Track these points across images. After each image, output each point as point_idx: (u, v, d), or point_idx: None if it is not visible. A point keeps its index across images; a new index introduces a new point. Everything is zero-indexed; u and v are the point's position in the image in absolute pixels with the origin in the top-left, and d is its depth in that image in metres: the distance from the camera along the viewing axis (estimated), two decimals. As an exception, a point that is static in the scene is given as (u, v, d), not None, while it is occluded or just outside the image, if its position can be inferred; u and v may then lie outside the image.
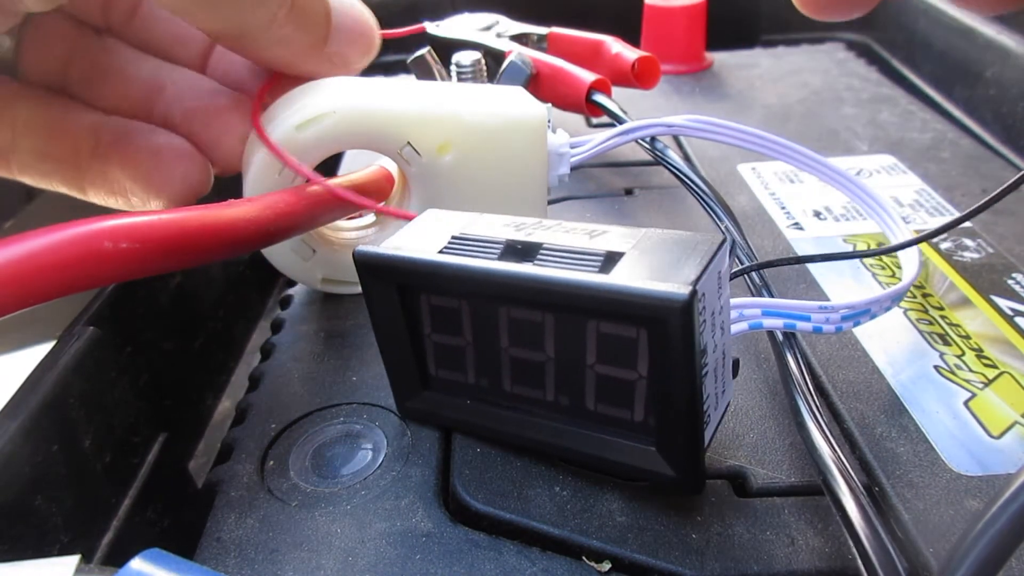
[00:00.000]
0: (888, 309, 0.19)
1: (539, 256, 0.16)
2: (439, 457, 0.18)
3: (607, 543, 0.16)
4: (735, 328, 0.18)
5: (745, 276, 0.21)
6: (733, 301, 0.17)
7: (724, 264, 0.16)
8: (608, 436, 0.17)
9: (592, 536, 0.16)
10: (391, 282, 0.18)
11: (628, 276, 0.15)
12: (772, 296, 0.21)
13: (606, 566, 0.16)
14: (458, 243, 0.17)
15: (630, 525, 0.16)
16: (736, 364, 0.17)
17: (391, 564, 0.16)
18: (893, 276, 0.24)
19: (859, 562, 0.13)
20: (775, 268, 0.24)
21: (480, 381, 0.18)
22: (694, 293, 0.14)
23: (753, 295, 0.21)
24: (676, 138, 0.34)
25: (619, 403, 0.16)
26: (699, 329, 0.14)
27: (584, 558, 0.16)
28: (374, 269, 0.18)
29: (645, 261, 0.15)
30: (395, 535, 0.16)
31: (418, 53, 0.32)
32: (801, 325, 0.18)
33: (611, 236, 0.16)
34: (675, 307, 0.14)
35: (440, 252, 0.17)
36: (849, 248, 0.26)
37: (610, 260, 0.15)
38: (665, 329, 0.14)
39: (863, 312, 0.18)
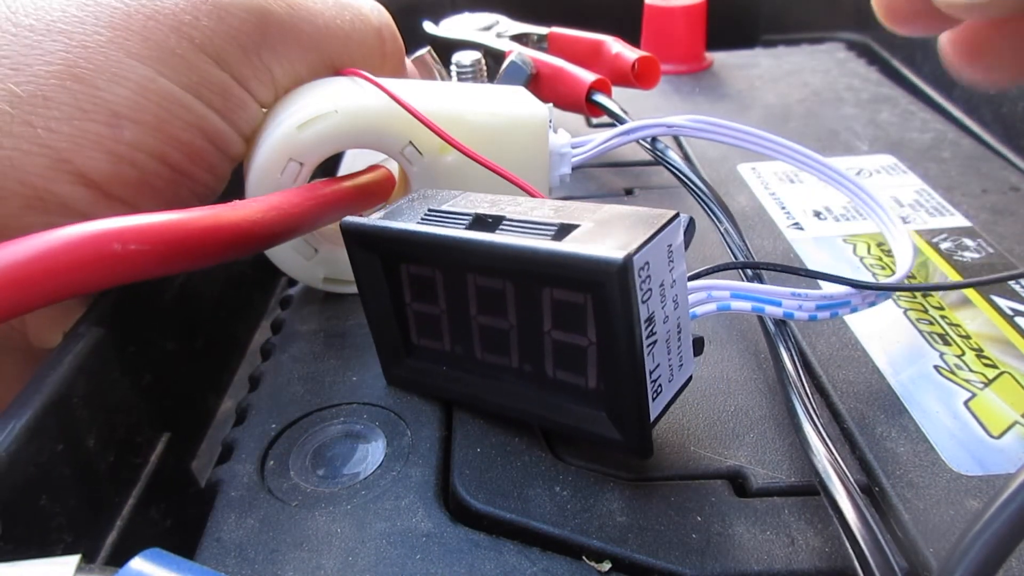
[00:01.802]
0: (872, 304, 0.19)
1: (501, 226, 0.17)
2: (439, 457, 0.19)
3: (607, 543, 0.16)
4: (703, 309, 0.18)
5: (740, 273, 0.21)
6: (703, 282, 0.18)
7: (677, 239, 0.16)
8: (566, 402, 0.18)
9: (592, 536, 0.16)
10: (373, 251, 0.19)
11: (574, 244, 0.15)
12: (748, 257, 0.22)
13: (606, 566, 0.16)
14: (433, 215, 0.18)
15: (630, 525, 0.16)
16: (700, 343, 0.18)
17: (391, 564, 0.16)
18: (887, 278, 0.24)
19: (856, 563, 0.14)
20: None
21: (455, 349, 0.19)
22: (630, 259, 0.14)
23: (730, 252, 0.22)
24: (676, 138, 0.34)
25: (574, 370, 0.17)
26: (640, 296, 0.15)
27: (584, 558, 0.16)
28: (358, 238, 0.19)
29: (596, 231, 0.16)
30: (395, 535, 0.17)
31: (418, 53, 0.32)
32: (770, 310, 0.18)
33: (572, 210, 0.17)
34: (611, 271, 0.14)
35: (416, 223, 0.18)
36: (849, 248, 0.26)
37: (564, 230, 0.16)
38: (603, 293, 0.15)
39: (842, 304, 0.18)
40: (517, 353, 0.18)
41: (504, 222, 0.17)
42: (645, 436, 0.16)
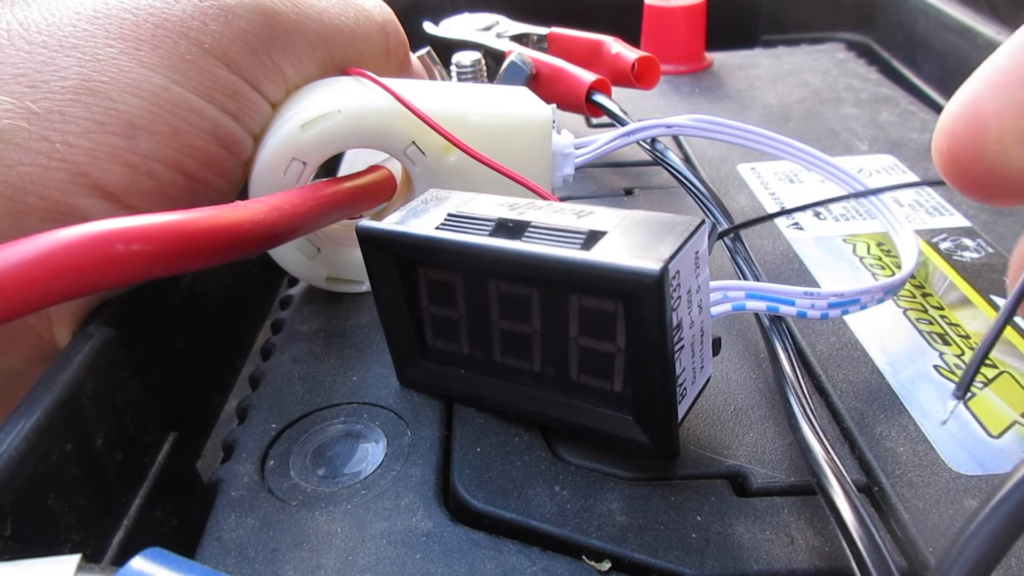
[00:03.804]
0: (880, 301, 0.19)
1: (527, 233, 0.17)
2: (439, 457, 0.19)
3: (607, 543, 0.16)
4: (719, 309, 0.18)
5: (723, 242, 0.22)
6: (718, 283, 0.18)
7: (702, 245, 0.16)
8: (590, 405, 0.18)
9: (592, 535, 0.16)
10: (390, 255, 0.19)
11: (606, 253, 0.15)
12: (751, 264, 0.22)
13: (606, 566, 0.16)
14: (453, 220, 0.18)
15: (630, 525, 0.16)
16: (717, 343, 0.18)
17: (391, 564, 0.16)
18: (893, 276, 0.24)
19: (852, 563, 0.14)
20: (774, 265, 0.25)
21: (473, 352, 0.19)
22: (666, 270, 0.14)
23: (731, 259, 0.22)
24: (676, 138, 0.34)
25: (600, 374, 0.17)
26: (672, 305, 0.15)
27: (584, 557, 0.16)
28: (375, 243, 0.19)
29: (625, 239, 0.16)
30: (395, 535, 0.17)
31: (418, 53, 0.32)
32: (784, 309, 0.18)
33: (596, 216, 0.17)
34: (648, 282, 0.15)
35: (436, 228, 0.18)
36: (848, 248, 0.26)
37: (592, 238, 0.16)
38: (639, 303, 0.15)
39: (852, 301, 0.19)
40: (540, 357, 0.18)
41: (529, 228, 0.17)
42: (672, 439, 0.17)
